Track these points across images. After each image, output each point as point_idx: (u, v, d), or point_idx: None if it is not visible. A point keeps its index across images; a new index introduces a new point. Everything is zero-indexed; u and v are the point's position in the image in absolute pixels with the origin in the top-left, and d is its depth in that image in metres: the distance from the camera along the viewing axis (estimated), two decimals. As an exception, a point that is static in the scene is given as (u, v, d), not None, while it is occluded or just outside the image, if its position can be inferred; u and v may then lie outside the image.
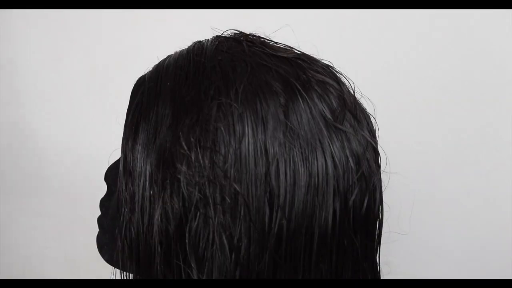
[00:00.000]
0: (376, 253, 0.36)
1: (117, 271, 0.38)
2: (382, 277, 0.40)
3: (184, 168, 0.30)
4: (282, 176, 0.30)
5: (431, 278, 0.67)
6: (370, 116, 0.37)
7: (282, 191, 0.30)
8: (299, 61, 0.34)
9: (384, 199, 0.36)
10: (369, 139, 0.33)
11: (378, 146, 0.36)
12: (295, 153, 0.30)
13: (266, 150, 0.30)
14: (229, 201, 0.30)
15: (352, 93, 0.36)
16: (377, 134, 0.37)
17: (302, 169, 0.30)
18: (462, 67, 0.61)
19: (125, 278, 0.37)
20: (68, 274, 0.80)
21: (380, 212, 0.35)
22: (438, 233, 0.66)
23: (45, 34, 0.76)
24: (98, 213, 0.42)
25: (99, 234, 0.40)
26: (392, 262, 0.65)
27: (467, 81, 0.61)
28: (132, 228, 0.33)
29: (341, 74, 0.37)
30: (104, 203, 0.40)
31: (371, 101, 0.40)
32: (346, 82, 0.37)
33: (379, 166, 0.35)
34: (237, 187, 0.29)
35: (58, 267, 0.81)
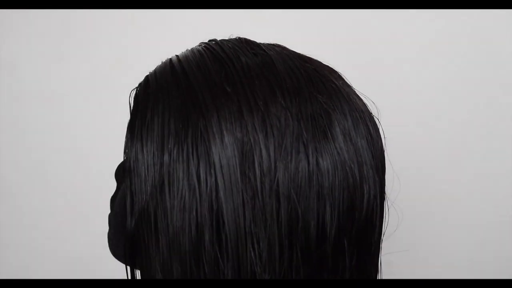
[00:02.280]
0: (371, 261, 0.36)
1: (117, 269, 0.39)
2: (382, 277, 0.40)
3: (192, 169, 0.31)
4: (257, 171, 0.30)
5: (431, 278, 0.67)
6: (375, 118, 0.37)
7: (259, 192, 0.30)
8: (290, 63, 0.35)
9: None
10: (360, 144, 0.33)
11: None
12: (277, 154, 0.30)
13: (242, 148, 0.30)
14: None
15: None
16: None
17: (282, 170, 0.30)
18: (462, 68, 0.61)
19: (128, 274, 0.38)
20: (68, 274, 0.80)
21: (377, 220, 0.34)
22: (438, 233, 0.66)
23: (46, 34, 0.76)
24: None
25: (108, 229, 0.41)
26: (392, 262, 0.65)
27: (467, 82, 0.61)
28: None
29: (344, 77, 0.37)
30: (112, 200, 0.41)
31: (373, 102, 0.40)
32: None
33: (379, 172, 0.35)
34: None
35: (58, 267, 0.81)
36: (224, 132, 0.31)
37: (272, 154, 0.30)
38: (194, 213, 0.31)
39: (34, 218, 0.81)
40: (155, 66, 0.38)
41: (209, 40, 0.39)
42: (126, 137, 0.35)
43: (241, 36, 0.38)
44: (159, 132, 0.32)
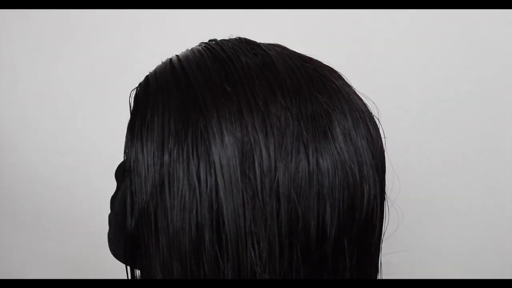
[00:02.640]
0: (371, 261, 0.36)
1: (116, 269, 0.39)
2: (382, 277, 0.40)
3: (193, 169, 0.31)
4: (258, 171, 0.30)
5: (431, 278, 0.67)
6: (375, 118, 0.37)
7: (258, 192, 0.30)
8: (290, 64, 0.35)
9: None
10: (360, 144, 0.33)
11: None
12: (277, 154, 0.30)
13: (242, 148, 0.30)
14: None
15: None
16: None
17: (282, 170, 0.30)
18: (462, 67, 0.61)
19: (128, 274, 0.38)
20: (68, 274, 0.80)
21: (377, 220, 0.34)
22: (438, 233, 0.66)
23: (45, 34, 0.76)
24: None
25: (108, 229, 0.41)
26: (392, 262, 0.65)
27: (467, 82, 0.61)
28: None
29: (344, 77, 0.37)
30: (112, 200, 0.41)
31: (373, 102, 0.40)
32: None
33: (379, 172, 0.35)
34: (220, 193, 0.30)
35: (58, 267, 0.81)
36: (224, 132, 0.31)
37: (272, 154, 0.30)
38: (194, 213, 0.31)
39: (34, 218, 0.81)
40: (155, 66, 0.38)
41: (209, 40, 0.39)
42: (126, 137, 0.35)
43: (241, 36, 0.38)
44: (159, 132, 0.32)
